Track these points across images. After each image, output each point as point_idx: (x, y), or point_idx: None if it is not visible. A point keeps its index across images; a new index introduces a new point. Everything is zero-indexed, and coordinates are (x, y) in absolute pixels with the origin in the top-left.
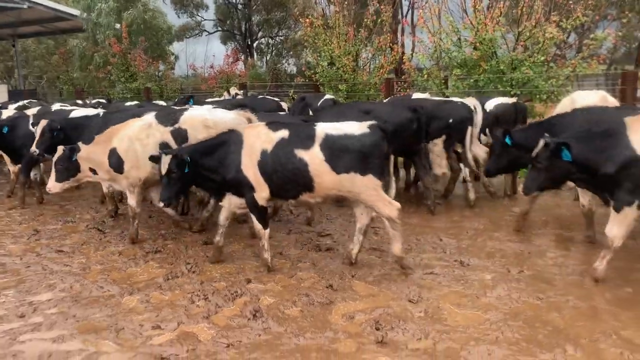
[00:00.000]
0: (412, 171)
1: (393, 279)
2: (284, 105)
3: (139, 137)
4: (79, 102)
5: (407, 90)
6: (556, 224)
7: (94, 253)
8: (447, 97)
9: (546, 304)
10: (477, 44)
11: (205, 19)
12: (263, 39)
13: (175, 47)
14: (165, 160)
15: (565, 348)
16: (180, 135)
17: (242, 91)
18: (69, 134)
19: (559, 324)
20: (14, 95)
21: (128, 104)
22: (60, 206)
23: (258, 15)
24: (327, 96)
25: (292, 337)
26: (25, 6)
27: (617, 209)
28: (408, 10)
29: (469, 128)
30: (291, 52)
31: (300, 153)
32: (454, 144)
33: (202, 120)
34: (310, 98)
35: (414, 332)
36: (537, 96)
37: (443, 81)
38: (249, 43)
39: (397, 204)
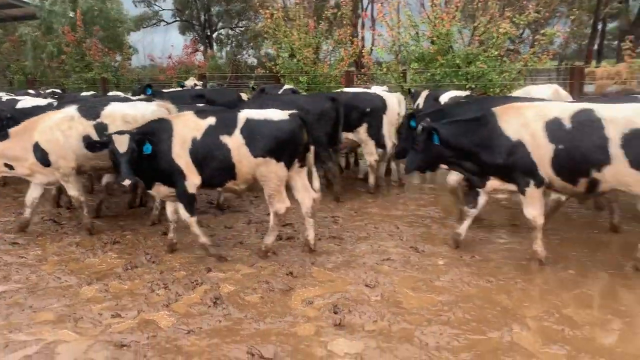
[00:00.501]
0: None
1: (351, 265)
2: (244, 96)
3: (60, 128)
4: (31, 92)
5: (367, 83)
6: (506, 213)
7: (50, 244)
8: (407, 89)
9: (495, 287)
10: (434, 38)
11: (163, 9)
12: (223, 30)
13: (133, 37)
14: (122, 140)
15: (512, 327)
16: (103, 130)
17: (200, 82)
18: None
19: (507, 304)
20: None
21: (84, 94)
22: (14, 198)
23: (217, 5)
24: (287, 86)
25: (252, 322)
26: None
27: (522, 192)
28: (369, 3)
29: (384, 117)
30: (251, 44)
31: (225, 139)
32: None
33: (122, 115)
34: (270, 89)
35: (370, 315)
36: (491, 89)
37: (401, 75)
38: (209, 34)
39: (288, 203)
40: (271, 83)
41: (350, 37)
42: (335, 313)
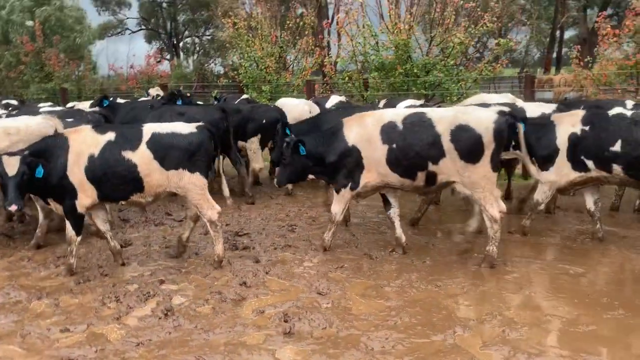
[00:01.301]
0: None
1: (305, 274)
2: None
3: None
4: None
5: (329, 92)
6: (460, 219)
7: (1, 259)
8: (366, 99)
9: (443, 291)
10: (394, 48)
11: (128, 17)
12: (189, 39)
13: (98, 46)
14: (11, 162)
15: (455, 329)
16: None
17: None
18: None
19: (453, 308)
20: None
21: (41, 105)
22: None
23: (184, 14)
24: (244, 96)
25: (202, 333)
26: None
27: (337, 191)
28: (333, 14)
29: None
30: (218, 53)
31: (129, 154)
32: (268, 142)
33: (4, 128)
34: (229, 99)
35: (319, 322)
36: (448, 98)
37: (363, 83)
38: (175, 42)
39: (218, 207)
40: (235, 92)
41: (313, 47)
42: (286, 321)
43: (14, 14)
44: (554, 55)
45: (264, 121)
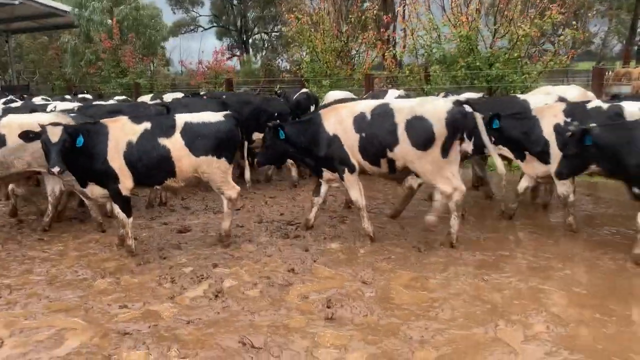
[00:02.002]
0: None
1: (352, 263)
2: None
3: None
4: (67, 97)
5: (389, 86)
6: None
7: (72, 241)
8: (427, 92)
9: (490, 285)
10: (456, 41)
11: (200, 15)
12: (258, 35)
13: (171, 42)
14: (54, 131)
15: (497, 323)
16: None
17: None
18: None
19: (498, 302)
20: (6, 90)
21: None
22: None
23: (253, 11)
24: (303, 90)
25: (248, 314)
26: (17, 2)
27: (342, 178)
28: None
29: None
30: (286, 48)
31: (164, 141)
32: None
33: (19, 124)
34: (288, 93)
35: (361, 310)
36: (512, 91)
37: (425, 77)
38: (245, 39)
39: (238, 188)
40: (296, 87)
41: (375, 41)
42: (329, 307)
43: (94, 14)
44: (636, 47)
45: (276, 114)
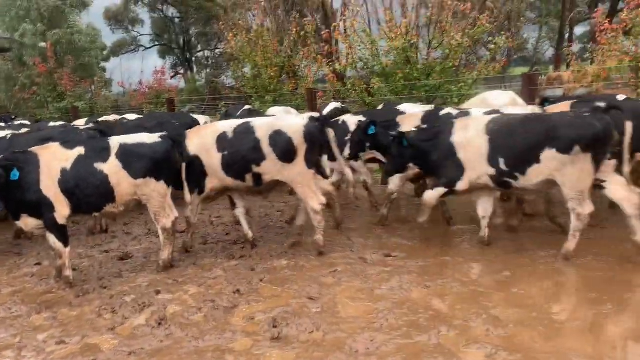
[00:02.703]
0: None
1: (298, 279)
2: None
3: None
4: (1, 124)
5: (331, 100)
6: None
7: (6, 276)
8: (369, 104)
9: (433, 292)
10: (393, 53)
11: (141, 34)
12: (202, 52)
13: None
14: None
15: (440, 329)
16: None
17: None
18: None
19: (441, 308)
20: None
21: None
22: None
23: (195, 28)
24: (246, 107)
25: (192, 341)
26: None
27: (188, 197)
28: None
29: None
30: (230, 65)
31: (100, 166)
32: None
33: None
34: (231, 110)
35: (307, 326)
36: (449, 100)
37: (365, 90)
38: (188, 57)
39: (174, 216)
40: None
41: (315, 55)
42: (275, 327)
43: (25, 37)
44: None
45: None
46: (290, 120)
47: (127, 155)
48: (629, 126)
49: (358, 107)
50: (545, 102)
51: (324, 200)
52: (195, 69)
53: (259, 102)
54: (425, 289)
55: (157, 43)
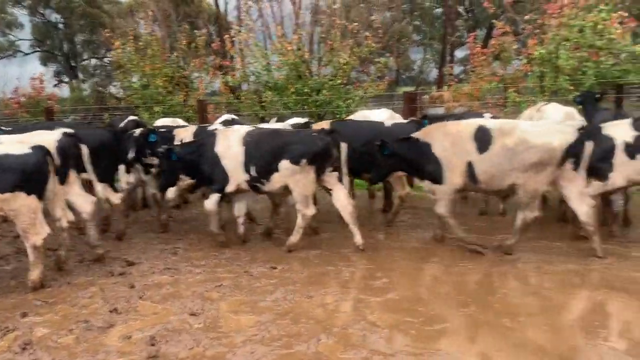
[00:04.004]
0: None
1: (181, 295)
2: None
3: None
4: None
5: (222, 112)
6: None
7: None
8: (263, 118)
9: (315, 301)
10: (285, 68)
11: (20, 39)
12: (88, 60)
13: None
14: None
15: (319, 337)
16: None
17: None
18: None
19: (321, 317)
20: None
21: None
22: None
23: (81, 35)
24: (130, 118)
25: None
26: None
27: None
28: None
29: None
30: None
31: None
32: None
33: None
34: (115, 121)
35: (187, 343)
36: (338, 116)
37: (258, 102)
38: (73, 64)
39: (45, 233)
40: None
41: (206, 67)
42: (153, 345)
43: None
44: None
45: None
46: (45, 137)
47: None
48: (344, 146)
49: (251, 120)
50: (425, 119)
51: (67, 216)
52: (81, 78)
53: (147, 113)
54: (308, 298)
55: (38, 49)
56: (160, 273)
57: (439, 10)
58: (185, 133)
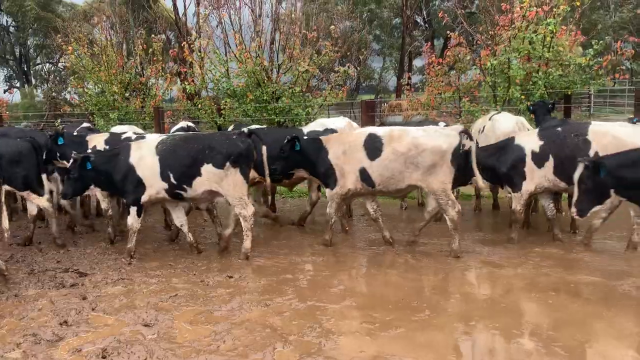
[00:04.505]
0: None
1: (134, 306)
2: None
3: None
4: None
5: (180, 119)
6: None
7: None
8: (219, 125)
9: (272, 309)
10: (244, 75)
11: None
12: (41, 65)
13: None
14: None
15: (275, 346)
16: None
17: None
18: None
19: (278, 325)
20: None
21: None
22: None
23: (34, 39)
24: (84, 125)
25: None
26: None
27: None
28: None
29: None
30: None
31: None
32: None
33: None
34: (68, 127)
35: (140, 354)
36: (297, 123)
37: (216, 110)
38: (26, 69)
39: None
40: (80, 121)
41: (163, 74)
42: (104, 357)
43: None
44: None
45: None
46: None
47: None
48: (264, 149)
49: (209, 128)
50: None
51: None
52: (34, 82)
53: (102, 120)
54: (264, 307)
55: None
56: (114, 284)
57: (398, 20)
58: (98, 140)
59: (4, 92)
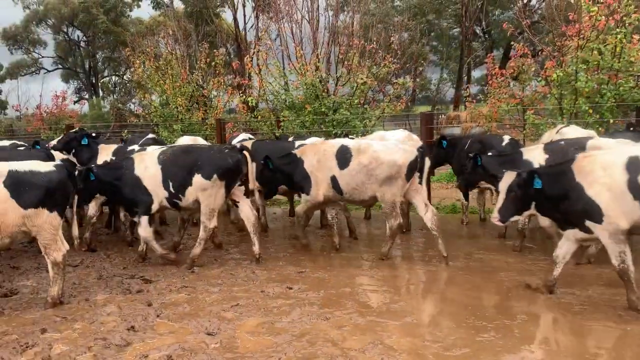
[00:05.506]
0: None
1: (197, 314)
2: None
3: None
4: None
5: (240, 131)
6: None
7: None
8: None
9: (332, 323)
10: (303, 88)
11: (43, 57)
12: (109, 78)
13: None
14: None
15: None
16: None
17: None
18: None
19: (338, 339)
20: None
21: None
22: None
23: (102, 52)
24: (150, 135)
25: None
26: None
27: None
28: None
29: None
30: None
31: None
32: None
33: None
34: (133, 138)
35: None
36: (355, 135)
37: (276, 122)
38: (94, 81)
39: (65, 249)
40: (146, 132)
41: (226, 86)
42: None
43: None
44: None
45: None
46: None
47: (17, 184)
48: (252, 165)
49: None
50: (442, 139)
51: None
52: (101, 95)
53: (166, 131)
54: (325, 320)
55: (60, 66)
56: (177, 291)
57: (457, 30)
58: (106, 152)
59: (74, 104)
